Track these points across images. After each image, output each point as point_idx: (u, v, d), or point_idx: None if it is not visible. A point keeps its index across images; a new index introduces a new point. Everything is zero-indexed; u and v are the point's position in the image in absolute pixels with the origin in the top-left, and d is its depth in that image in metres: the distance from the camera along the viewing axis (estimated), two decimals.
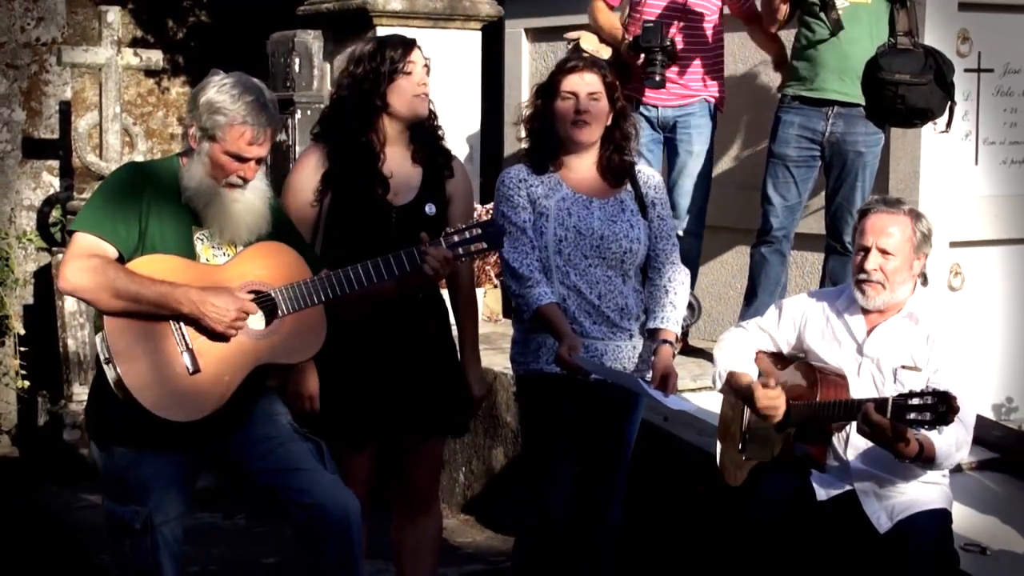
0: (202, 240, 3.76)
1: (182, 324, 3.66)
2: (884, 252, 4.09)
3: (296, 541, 3.88)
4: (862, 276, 4.13)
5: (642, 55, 5.89)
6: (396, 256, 3.85)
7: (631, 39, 5.98)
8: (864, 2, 5.59)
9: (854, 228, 4.24)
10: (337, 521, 3.77)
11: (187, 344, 3.66)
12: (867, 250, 4.11)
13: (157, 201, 3.71)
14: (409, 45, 4.26)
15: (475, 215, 7.08)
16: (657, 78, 5.88)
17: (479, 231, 3.92)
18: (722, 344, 4.38)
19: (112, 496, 3.81)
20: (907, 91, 5.35)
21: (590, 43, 6.22)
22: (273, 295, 3.73)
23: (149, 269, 3.64)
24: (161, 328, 3.65)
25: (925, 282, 4.27)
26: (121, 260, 3.66)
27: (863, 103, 5.53)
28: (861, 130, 5.66)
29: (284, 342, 3.76)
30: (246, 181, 3.75)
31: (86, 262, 3.62)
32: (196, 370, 3.66)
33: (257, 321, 3.73)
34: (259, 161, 3.77)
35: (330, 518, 3.77)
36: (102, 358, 3.67)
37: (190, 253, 3.73)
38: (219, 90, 3.72)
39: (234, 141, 3.70)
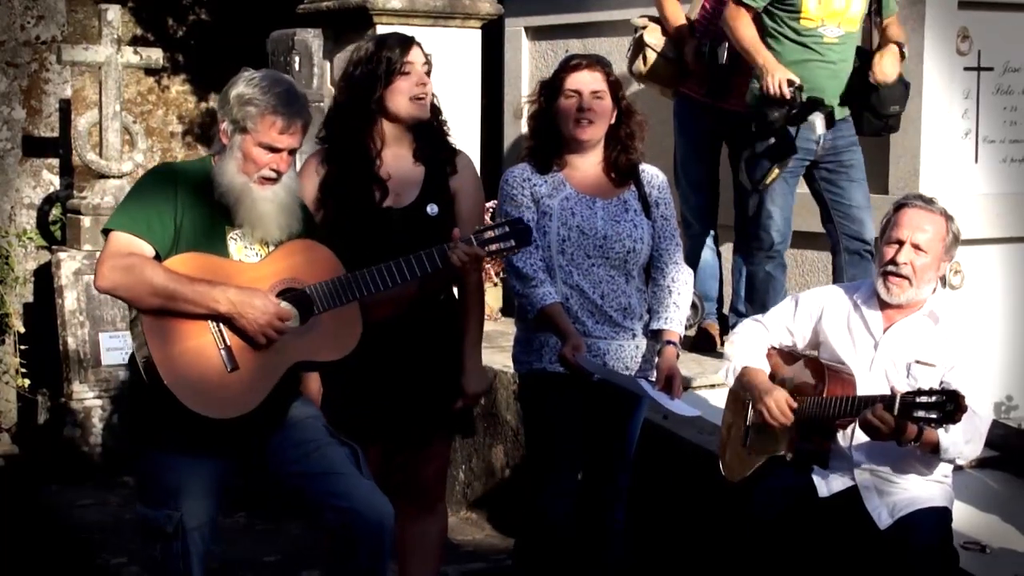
0: (235, 239, 3.76)
1: (220, 322, 3.65)
2: (917, 248, 4.10)
3: (330, 542, 3.88)
4: (891, 268, 4.12)
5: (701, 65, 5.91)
6: (428, 253, 3.86)
7: (695, 45, 5.96)
8: (853, 31, 5.60)
9: (886, 221, 4.22)
10: (372, 528, 3.77)
11: (225, 342, 3.65)
12: (901, 243, 4.11)
13: (190, 200, 3.71)
14: (407, 44, 4.22)
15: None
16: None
17: (507, 229, 3.92)
18: (735, 338, 4.38)
19: (145, 500, 3.81)
20: (895, 121, 5.68)
21: (653, 37, 6.16)
22: (308, 292, 3.73)
23: (184, 267, 3.63)
24: (198, 326, 3.64)
25: (944, 283, 4.28)
26: (157, 258, 3.65)
27: (845, 115, 5.62)
28: (843, 133, 5.69)
29: (320, 339, 3.75)
30: (279, 175, 3.74)
31: (122, 260, 3.60)
32: (234, 367, 3.66)
33: (293, 319, 3.72)
34: (291, 153, 3.76)
35: (365, 524, 3.76)
36: (139, 357, 3.66)
37: (223, 252, 3.73)
38: (248, 83, 3.75)
39: (266, 131, 3.70)
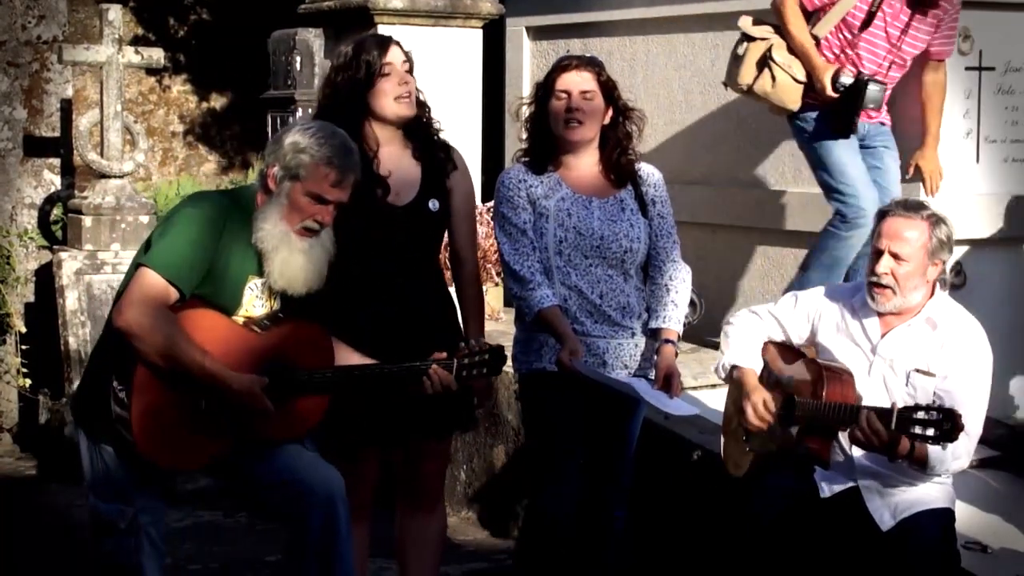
0: (252, 290, 3.77)
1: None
2: (896, 257, 4.08)
3: (281, 522, 3.90)
4: (873, 279, 4.12)
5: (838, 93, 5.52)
6: (411, 368, 3.91)
7: (833, 75, 5.50)
8: None
9: (874, 230, 4.21)
10: (321, 496, 3.78)
11: (201, 406, 3.68)
12: (880, 253, 4.10)
13: (230, 243, 3.71)
14: (384, 45, 4.23)
15: (477, 210, 7.09)
16: (856, 127, 5.57)
17: (487, 357, 3.96)
18: (730, 331, 4.35)
19: (97, 493, 3.82)
20: None
21: (781, 55, 5.60)
22: (293, 378, 3.75)
23: (196, 325, 3.64)
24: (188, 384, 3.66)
25: (944, 286, 4.25)
26: (181, 296, 3.65)
27: None
28: None
29: (278, 419, 3.78)
30: (321, 227, 3.75)
31: (155, 316, 3.58)
32: (198, 433, 3.69)
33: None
34: (337, 207, 3.77)
35: (313, 493, 3.78)
36: (115, 387, 3.64)
37: (236, 300, 3.74)
38: (304, 132, 3.76)
39: (317, 182, 3.71)
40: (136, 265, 3.68)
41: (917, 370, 4.10)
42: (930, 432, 3.73)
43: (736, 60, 5.78)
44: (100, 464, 3.80)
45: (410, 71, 4.25)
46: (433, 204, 4.24)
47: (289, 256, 3.73)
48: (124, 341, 3.61)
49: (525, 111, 4.40)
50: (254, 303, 3.79)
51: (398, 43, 4.27)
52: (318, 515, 3.79)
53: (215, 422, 3.70)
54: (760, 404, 4.14)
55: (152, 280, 3.62)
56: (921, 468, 3.99)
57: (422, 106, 4.30)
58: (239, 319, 3.77)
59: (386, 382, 3.93)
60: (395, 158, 4.24)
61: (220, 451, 3.74)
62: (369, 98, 4.17)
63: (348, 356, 3.96)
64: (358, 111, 4.18)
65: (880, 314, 4.17)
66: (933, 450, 3.91)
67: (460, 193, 4.34)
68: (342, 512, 3.82)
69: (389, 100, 4.18)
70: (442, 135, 4.35)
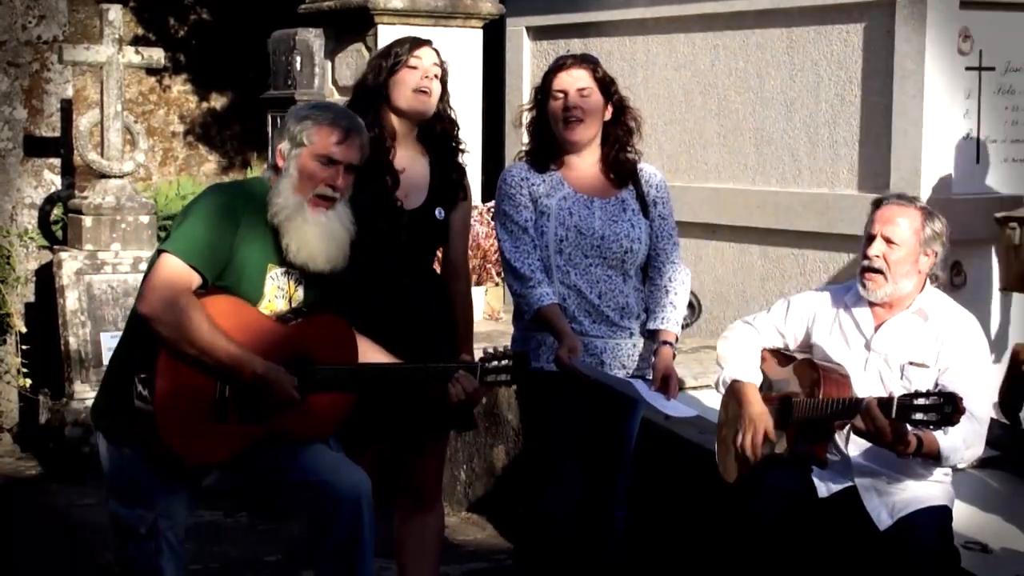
0: (273, 278, 3.76)
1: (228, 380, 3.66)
2: (889, 241, 4.10)
3: (306, 521, 3.87)
4: (864, 264, 4.14)
5: None
6: (439, 369, 3.94)
7: None
8: None
9: (868, 219, 4.23)
10: (347, 496, 3.77)
11: (224, 394, 3.66)
12: (873, 237, 4.13)
13: (249, 229, 3.70)
14: (419, 43, 4.27)
15: (477, 210, 7.10)
16: None
17: (510, 363, 3.94)
18: (727, 344, 4.35)
19: (118, 497, 3.80)
20: None
21: None
22: (316, 372, 3.74)
23: (219, 311, 3.63)
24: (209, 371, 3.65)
25: (935, 281, 4.26)
26: (204, 283, 3.64)
27: None
28: None
29: (303, 416, 3.76)
30: (335, 193, 3.75)
31: (178, 300, 3.57)
32: (222, 421, 3.67)
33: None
34: (349, 170, 3.77)
35: (340, 494, 3.77)
36: (138, 378, 3.64)
37: (258, 292, 3.73)
38: (305, 107, 3.83)
39: (323, 141, 3.72)
40: (157, 253, 3.69)
41: (911, 363, 4.11)
42: (931, 417, 3.72)
43: (1014, 252, 5.36)
44: (120, 468, 3.78)
45: (440, 78, 4.25)
46: (439, 212, 4.26)
47: (304, 226, 3.71)
48: (148, 329, 3.60)
49: (526, 116, 4.41)
50: (276, 294, 3.77)
51: (436, 50, 4.29)
52: (345, 515, 3.78)
53: (239, 411, 3.67)
54: (759, 435, 4.13)
55: (173, 264, 3.62)
56: (937, 461, 3.99)
57: (449, 121, 4.31)
58: (263, 311, 3.77)
59: (407, 380, 3.93)
60: (407, 159, 4.25)
61: (243, 443, 3.71)
62: (390, 86, 4.19)
63: (373, 355, 3.94)
64: (377, 95, 4.19)
65: (872, 307, 4.18)
66: (944, 441, 3.91)
67: (462, 207, 4.35)
68: (367, 514, 3.81)
69: (407, 91, 4.19)
70: (462, 160, 4.36)
